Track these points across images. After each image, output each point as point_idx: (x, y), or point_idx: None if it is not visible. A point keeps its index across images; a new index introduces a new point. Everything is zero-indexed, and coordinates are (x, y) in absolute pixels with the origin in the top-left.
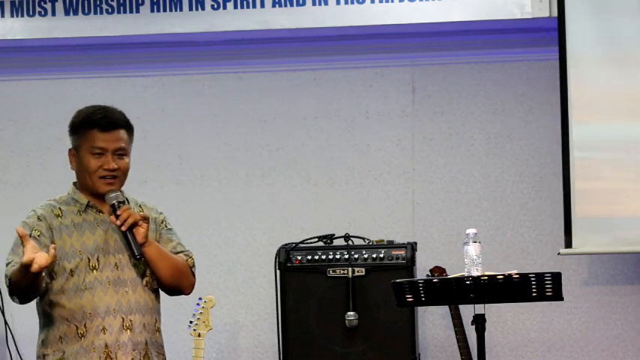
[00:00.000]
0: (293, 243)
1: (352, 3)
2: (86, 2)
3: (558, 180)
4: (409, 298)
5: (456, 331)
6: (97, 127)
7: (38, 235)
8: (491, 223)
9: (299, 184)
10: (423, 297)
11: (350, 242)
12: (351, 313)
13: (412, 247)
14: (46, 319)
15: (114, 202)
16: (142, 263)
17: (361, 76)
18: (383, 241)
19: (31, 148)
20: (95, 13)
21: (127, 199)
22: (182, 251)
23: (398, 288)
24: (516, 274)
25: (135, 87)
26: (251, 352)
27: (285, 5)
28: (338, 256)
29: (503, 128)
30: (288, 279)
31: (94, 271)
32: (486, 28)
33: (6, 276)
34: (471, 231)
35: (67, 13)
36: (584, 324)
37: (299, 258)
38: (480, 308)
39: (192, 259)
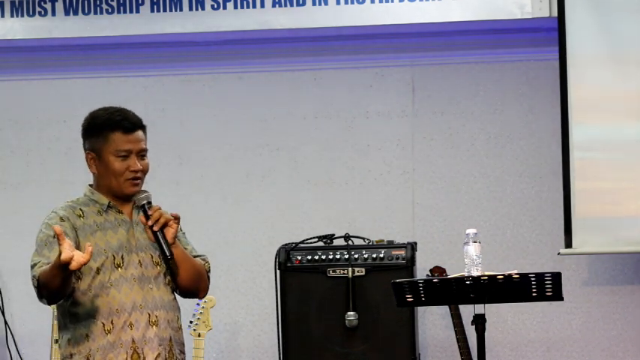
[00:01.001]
0: (293, 243)
1: (352, 3)
2: (86, 2)
3: (558, 180)
4: (409, 298)
5: (456, 331)
6: (120, 130)
7: None
8: (491, 223)
9: (299, 184)
10: (423, 297)
11: (350, 242)
12: (351, 313)
13: (412, 247)
14: (72, 318)
15: (144, 202)
16: (163, 262)
17: (361, 76)
18: (383, 241)
19: (31, 148)
20: (95, 13)
21: None
22: (199, 255)
23: (398, 288)
24: (516, 274)
25: (135, 87)
26: (251, 352)
27: (285, 5)
28: (338, 256)
29: (503, 128)
30: (288, 279)
31: (119, 268)
32: (486, 28)
33: (34, 277)
34: (471, 231)
35: (67, 13)
36: (584, 324)
37: (299, 258)
38: (480, 308)
39: (209, 264)
